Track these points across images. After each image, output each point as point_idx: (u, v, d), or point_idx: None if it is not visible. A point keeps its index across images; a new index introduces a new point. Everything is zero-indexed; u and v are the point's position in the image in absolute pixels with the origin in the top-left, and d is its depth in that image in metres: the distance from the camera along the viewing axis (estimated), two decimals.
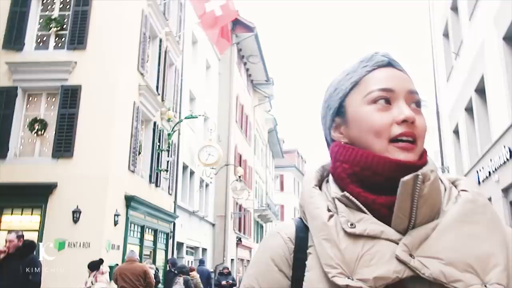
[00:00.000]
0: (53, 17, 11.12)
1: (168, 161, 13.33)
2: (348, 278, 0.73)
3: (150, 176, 12.42)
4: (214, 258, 19.70)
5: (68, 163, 9.95)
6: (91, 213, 9.60)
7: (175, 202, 14.55)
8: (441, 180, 0.85)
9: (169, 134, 13.50)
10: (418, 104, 0.84)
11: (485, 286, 0.71)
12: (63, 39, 11.01)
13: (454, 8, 12.36)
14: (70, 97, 10.34)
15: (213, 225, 20.06)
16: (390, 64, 0.86)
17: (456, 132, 13.10)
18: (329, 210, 0.81)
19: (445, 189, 0.84)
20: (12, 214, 9.90)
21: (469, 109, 11.01)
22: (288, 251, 0.84)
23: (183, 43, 16.05)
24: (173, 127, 13.61)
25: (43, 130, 10.35)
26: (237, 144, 22.43)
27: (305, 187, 0.89)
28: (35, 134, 10.34)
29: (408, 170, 0.76)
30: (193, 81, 17.31)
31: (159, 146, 13.05)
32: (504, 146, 7.71)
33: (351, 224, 0.77)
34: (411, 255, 0.74)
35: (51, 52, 10.85)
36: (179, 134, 14.80)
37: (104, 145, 10.09)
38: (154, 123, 12.86)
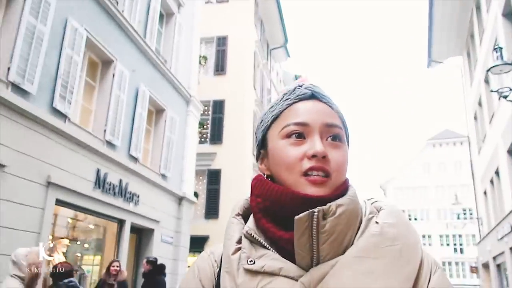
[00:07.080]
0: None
1: None
2: None
3: None
4: None
5: (216, 222, 15.04)
6: None
7: None
8: (367, 209, 0.83)
9: None
10: (335, 137, 0.82)
11: None
12: (204, 136, 16.27)
13: (479, 104, 16.64)
14: (214, 177, 15.50)
15: None
16: (313, 96, 0.85)
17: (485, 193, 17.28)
18: (239, 242, 0.82)
19: (364, 220, 0.81)
20: None
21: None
22: (214, 273, 0.87)
23: None
24: None
25: (196, 199, 15.48)
26: None
27: (229, 215, 0.89)
28: None
29: (316, 204, 0.75)
30: None
31: None
32: None
33: (251, 261, 0.78)
34: None
35: (198, 146, 16.07)
36: None
37: None
38: None
